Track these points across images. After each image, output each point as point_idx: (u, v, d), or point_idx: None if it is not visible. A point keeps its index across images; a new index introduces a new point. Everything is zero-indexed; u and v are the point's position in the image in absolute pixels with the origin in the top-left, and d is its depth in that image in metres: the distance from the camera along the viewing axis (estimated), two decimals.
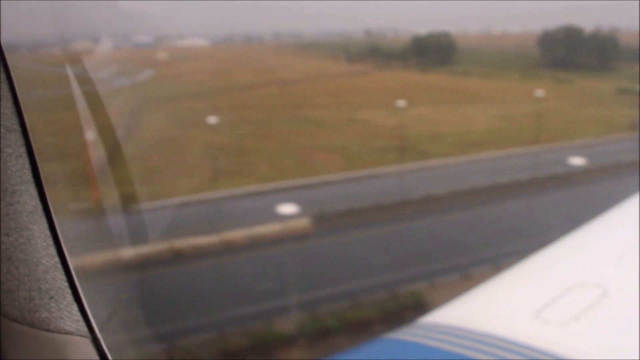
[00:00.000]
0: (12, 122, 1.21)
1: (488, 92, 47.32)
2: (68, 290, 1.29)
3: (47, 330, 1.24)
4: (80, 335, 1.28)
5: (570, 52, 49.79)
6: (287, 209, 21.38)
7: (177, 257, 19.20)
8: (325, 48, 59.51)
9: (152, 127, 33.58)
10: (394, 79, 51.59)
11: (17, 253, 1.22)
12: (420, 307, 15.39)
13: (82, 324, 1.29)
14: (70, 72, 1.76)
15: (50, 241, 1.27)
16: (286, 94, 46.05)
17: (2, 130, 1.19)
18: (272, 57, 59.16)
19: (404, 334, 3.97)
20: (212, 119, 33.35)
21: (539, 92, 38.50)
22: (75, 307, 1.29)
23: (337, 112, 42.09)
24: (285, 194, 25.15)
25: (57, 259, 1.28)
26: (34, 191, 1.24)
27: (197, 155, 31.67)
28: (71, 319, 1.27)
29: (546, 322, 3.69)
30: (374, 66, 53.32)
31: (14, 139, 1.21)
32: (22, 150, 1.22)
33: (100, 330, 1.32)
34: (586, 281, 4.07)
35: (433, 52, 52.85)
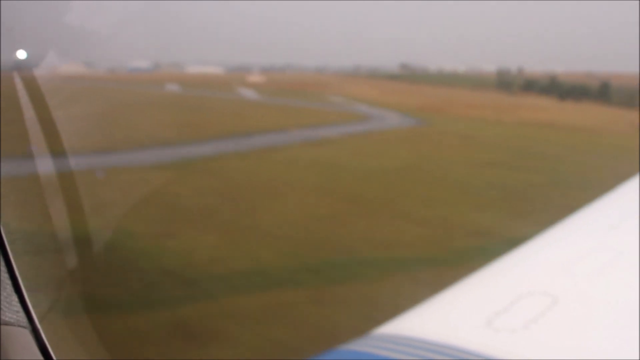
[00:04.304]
0: None
1: None
2: (8, 282, 1.23)
3: None
4: (20, 326, 1.22)
5: None
6: None
7: None
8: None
9: None
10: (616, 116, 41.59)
11: None
12: None
13: (22, 314, 1.24)
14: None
15: None
16: None
17: None
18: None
19: (357, 345, 3.94)
20: None
21: None
22: (15, 298, 1.24)
23: None
24: None
25: None
26: None
27: None
28: (11, 310, 1.22)
29: (497, 331, 3.76)
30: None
31: None
32: None
33: (40, 322, 1.25)
34: (537, 290, 4.17)
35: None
